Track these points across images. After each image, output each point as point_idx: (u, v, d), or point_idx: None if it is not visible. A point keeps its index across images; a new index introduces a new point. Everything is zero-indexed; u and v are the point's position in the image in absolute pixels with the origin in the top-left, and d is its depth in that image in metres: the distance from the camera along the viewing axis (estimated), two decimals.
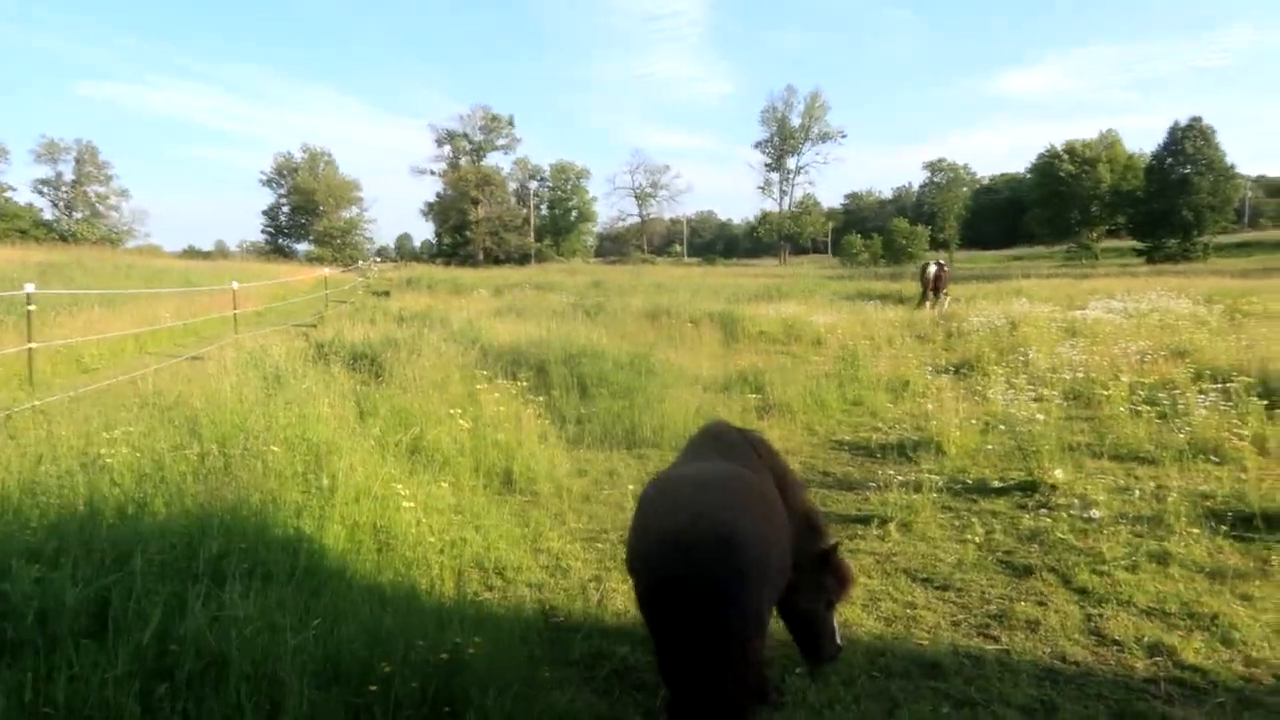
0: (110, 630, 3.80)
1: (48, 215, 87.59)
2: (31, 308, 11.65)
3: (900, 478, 7.90)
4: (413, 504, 6.42)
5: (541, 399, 10.53)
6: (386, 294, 33.94)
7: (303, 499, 6.04)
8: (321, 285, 37.39)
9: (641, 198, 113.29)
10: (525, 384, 10.97)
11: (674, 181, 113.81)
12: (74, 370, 14.66)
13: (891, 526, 6.87)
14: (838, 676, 4.47)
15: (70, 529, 4.74)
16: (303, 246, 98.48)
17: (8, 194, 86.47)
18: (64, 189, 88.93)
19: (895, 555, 6.41)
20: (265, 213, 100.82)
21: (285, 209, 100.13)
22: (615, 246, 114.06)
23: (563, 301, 25.43)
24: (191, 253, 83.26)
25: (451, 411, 8.93)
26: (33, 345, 11.70)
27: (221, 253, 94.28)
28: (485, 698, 3.89)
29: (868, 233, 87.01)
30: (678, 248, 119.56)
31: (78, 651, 3.64)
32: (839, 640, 4.33)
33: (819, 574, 4.26)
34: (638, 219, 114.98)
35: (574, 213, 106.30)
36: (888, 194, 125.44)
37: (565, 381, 11.85)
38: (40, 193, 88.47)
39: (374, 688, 3.74)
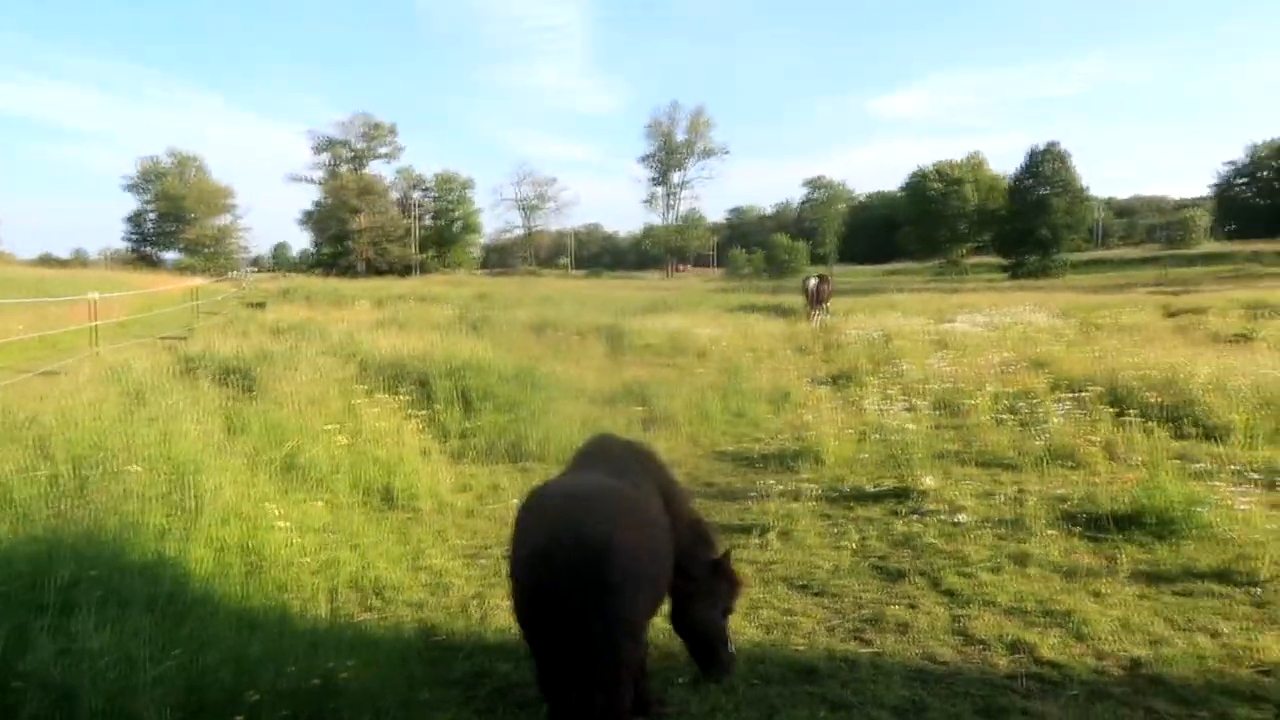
0: None
1: None
2: None
3: (780, 487, 8.07)
4: (285, 524, 6.18)
5: (424, 413, 10.34)
6: (262, 305, 32.68)
7: (165, 521, 5.75)
8: (192, 296, 35.75)
9: (528, 209, 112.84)
10: (407, 398, 10.73)
11: (561, 194, 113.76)
12: None
13: (772, 535, 7.00)
14: (718, 685, 4.51)
15: None
16: (171, 255, 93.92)
17: None
18: None
19: (774, 563, 6.53)
20: (129, 219, 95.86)
21: (152, 215, 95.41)
22: (501, 258, 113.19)
23: (447, 314, 25.00)
24: (47, 260, 78.32)
25: (328, 427, 8.64)
26: None
27: (80, 261, 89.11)
28: None
29: (751, 247, 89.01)
30: (564, 260, 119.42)
31: None
32: (731, 649, 4.39)
33: (712, 582, 4.32)
34: (524, 231, 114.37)
35: (459, 224, 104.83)
36: (770, 209, 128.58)
37: (449, 395, 11.65)
38: None
39: (240, 718, 3.57)
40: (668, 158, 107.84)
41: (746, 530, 7.23)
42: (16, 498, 5.94)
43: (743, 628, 5.34)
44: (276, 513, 6.28)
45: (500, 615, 5.61)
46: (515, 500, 8.15)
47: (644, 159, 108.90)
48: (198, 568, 5.33)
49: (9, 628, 3.84)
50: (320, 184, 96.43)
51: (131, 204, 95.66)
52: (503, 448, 10.19)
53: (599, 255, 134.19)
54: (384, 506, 7.94)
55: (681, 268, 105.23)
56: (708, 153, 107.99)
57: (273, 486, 7.15)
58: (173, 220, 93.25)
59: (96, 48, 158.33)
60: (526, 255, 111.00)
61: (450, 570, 6.48)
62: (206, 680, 3.80)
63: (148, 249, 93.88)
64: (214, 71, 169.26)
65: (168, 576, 4.93)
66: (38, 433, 7.60)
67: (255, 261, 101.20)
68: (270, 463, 7.72)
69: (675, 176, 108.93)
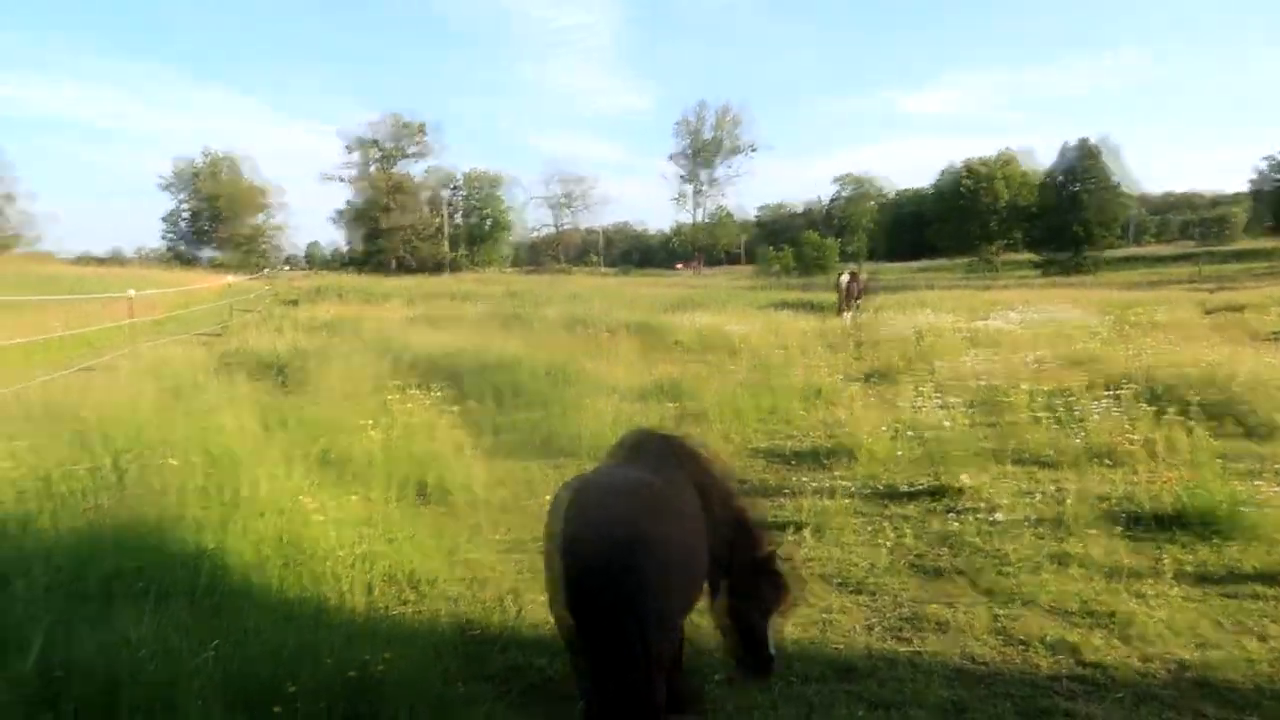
0: None
1: None
2: None
3: (814, 484, 8.00)
4: (322, 517, 6.21)
5: (457, 409, 10.36)
6: (295, 302, 33.01)
7: (204, 514, 5.79)
8: (227, 293, 36.20)
9: (558, 208, 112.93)
10: (440, 394, 10.77)
11: (590, 192, 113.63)
12: None
13: (806, 532, 6.94)
14: (755, 684, 4.46)
15: None
16: (207, 253, 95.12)
17: None
18: None
19: (811, 561, 6.47)
20: (165, 218, 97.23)
21: (186, 215, 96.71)
22: (532, 256, 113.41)
23: (478, 311, 25.13)
24: (86, 259, 79.51)
25: (363, 422, 8.69)
26: None
27: (118, 259, 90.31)
28: (397, 715, 3.77)
29: (780, 244, 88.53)
30: (594, 258, 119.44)
31: None
32: (772, 650, 4.35)
33: (754, 581, 4.28)
34: (554, 229, 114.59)
35: (490, 222, 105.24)
36: (800, 207, 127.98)
37: (481, 391, 11.68)
38: None
39: (278, 709, 3.59)
40: (696, 155, 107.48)
41: (781, 527, 7.15)
42: (57, 491, 6.03)
43: (780, 626, 5.30)
44: (313, 506, 6.31)
45: (537, 610, 5.59)
46: (549, 496, 8.17)
47: (673, 157, 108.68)
48: (236, 560, 5.36)
49: (53, 619, 3.87)
50: (351, 183, 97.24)
51: (169, 203, 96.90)
52: (536, 443, 10.20)
53: (628, 253, 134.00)
54: (419, 501, 7.96)
55: (685, 266, 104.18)
56: (735, 150, 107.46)
57: (309, 480, 7.19)
58: (208, 219, 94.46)
59: (136, 52, 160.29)
60: (557, 253, 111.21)
61: (486, 564, 6.49)
62: (245, 671, 3.81)
63: (184, 248, 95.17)
64: (248, 74, 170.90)
65: (206, 569, 4.97)
66: (78, 427, 7.71)
67: (289, 260, 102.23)
68: (306, 457, 7.77)
69: (704, 174, 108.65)
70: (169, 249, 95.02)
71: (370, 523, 6.77)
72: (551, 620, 3.97)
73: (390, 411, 9.70)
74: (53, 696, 3.50)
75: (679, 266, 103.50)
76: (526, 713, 4.30)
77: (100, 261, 78.32)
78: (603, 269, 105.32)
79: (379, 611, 5.34)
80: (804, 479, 8.31)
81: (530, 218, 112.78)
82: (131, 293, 20.67)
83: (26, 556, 4.41)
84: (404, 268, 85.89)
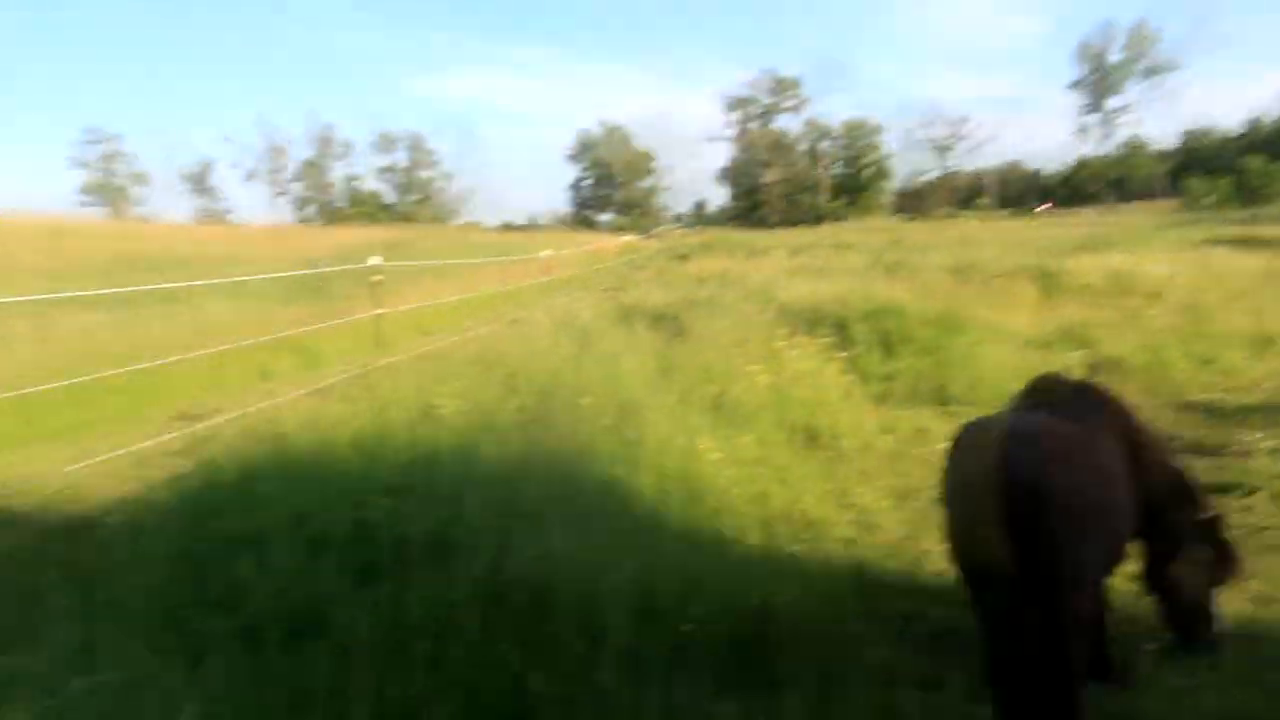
0: (451, 560, 4.14)
1: (389, 199, 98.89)
2: (378, 279, 13.14)
3: (1269, 443, 6.83)
4: (717, 456, 6.47)
5: (844, 356, 10.25)
6: (684, 258, 34.75)
7: (613, 449, 6.29)
8: (623, 252, 39.07)
9: (941, 151, 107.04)
10: (826, 341, 10.73)
11: (975, 131, 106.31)
12: (416, 333, 16.41)
13: (1260, 497, 5.96)
14: (1201, 658, 3.92)
15: (415, 470, 5.24)
16: (605, 216, 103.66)
17: (354, 182, 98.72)
18: (400, 175, 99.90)
19: (1265, 529, 5.55)
20: (571, 186, 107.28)
21: (587, 182, 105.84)
22: (914, 203, 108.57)
23: (861, 260, 24.63)
24: (508, 227, 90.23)
25: (752, 368, 8.91)
26: (381, 311, 13.20)
27: (534, 225, 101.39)
28: (797, 646, 3.83)
29: (1213, 174, 76.50)
30: (984, 201, 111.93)
31: (427, 577, 4.01)
32: (1219, 625, 3.82)
33: (1196, 546, 3.78)
34: (938, 173, 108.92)
35: (869, 170, 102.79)
36: (1237, 129, 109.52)
37: (867, 339, 11.44)
38: (382, 180, 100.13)
39: (685, 627, 3.79)
40: (1101, 82, 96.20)
41: (1224, 490, 6.21)
42: (495, 423, 6.88)
43: (1228, 599, 4.61)
44: (708, 446, 6.59)
45: (935, 560, 5.39)
46: (944, 444, 7.83)
47: (1073, 85, 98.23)
48: (643, 491, 5.76)
49: (497, 531, 4.42)
50: (732, 142, 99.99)
51: (572, 173, 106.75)
52: (926, 391, 9.82)
53: (1023, 194, 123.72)
54: (808, 445, 8.01)
55: (1044, 207, 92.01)
56: (1152, 71, 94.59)
57: (703, 421, 7.52)
58: (605, 185, 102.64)
59: (530, 38, 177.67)
60: (941, 199, 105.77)
61: (878, 510, 6.37)
62: (657, 590, 4.08)
63: (586, 212, 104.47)
64: (639, 49, 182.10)
65: (618, 497, 5.39)
66: (507, 370, 8.75)
67: (677, 218, 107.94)
68: (700, 400, 8.13)
69: (1111, 102, 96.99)
70: (574, 214, 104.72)
71: (762, 463, 6.94)
72: (951, 571, 3.81)
73: (777, 358, 9.85)
74: (499, 596, 4.00)
75: (1039, 209, 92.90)
76: (924, 659, 4.16)
77: (519, 229, 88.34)
78: (994, 212, 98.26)
79: (775, 548, 5.45)
80: (1255, 436, 7.12)
81: (912, 163, 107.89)
82: (545, 254, 23.01)
83: (474, 480, 5.08)
84: (785, 221, 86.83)
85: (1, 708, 2.99)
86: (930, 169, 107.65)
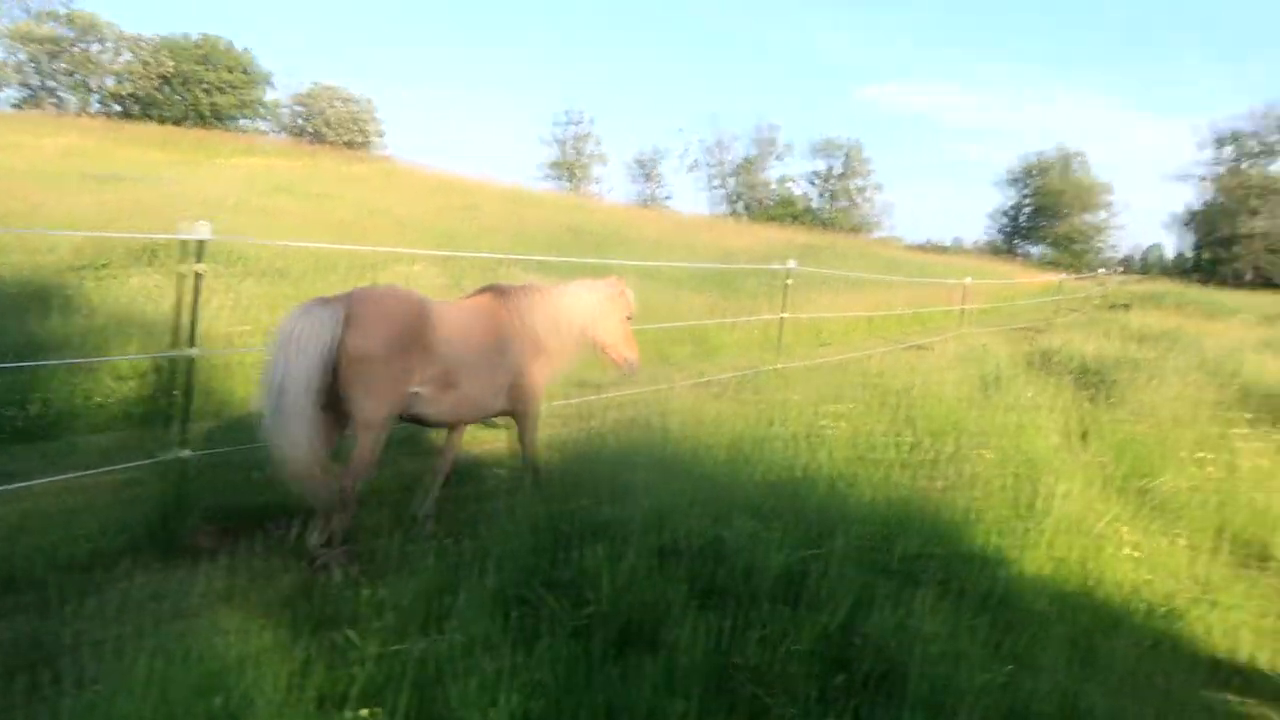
0: (801, 603, 3.82)
1: (814, 203, 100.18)
2: (790, 282, 13.09)
3: None
4: (1135, 554, 5.46)
5: None
6: (1126, 307, 30.96)
7: (1009, 516, 5.55)
8: (1053, 290, 35.85)
9: None
10: None
11: None
12: (813, 341, 16.25)
13: None
14: None
15: (785, 492, 4.98)
16: (1037, 249, 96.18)
17: (788, 184, 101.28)
18: (831, 181, 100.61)
19: None
20: (1004, 212, 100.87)
21: (1026, 209, 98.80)
22: None
23: None
24: (928, 247, 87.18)
25: (1195, 454, 7.50)
26: (785, 315, 13.15)
27: (956, 248, 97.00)
28: None
29: None
30: None
31: (771, 614, 3.73)
32: None
33: None
34: None
35: None
36: None
37: None
38: (812, 183, 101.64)
39: None
40: None
41: None
42: (880, 458, 6.41)
43: None
44: (1127, 538, 5.59)
45: None
46: None
47: None
48: (1033, 576, 4.99)
49: (860, 582, 4.02)
50: (1212, 181, 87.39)
51: (1008, 197, 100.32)
52: None
53: None
54: (1255, 565, 6.55)
55: None
56: None
57: (1121, 506, 6.44)
58: (1045, 215, 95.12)
59: (991, 51, 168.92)
60: None
61: None
62: (1031, 709, 3.44)
63: (1015, 241, 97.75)
64: (1102, 68, 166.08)
65: (1003, 577, 4.70)
66: (905, 401, 8.18)
67: (1123, 262, 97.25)
68: (1121, 481, 6.99)
69: None
70: (1002, 242, 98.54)
71: (1191, 577, 5.76)
72: None
73: (1230, 448, 8.21)
74: (847, 660, 3.61)
75: None
76: None
77: (941, 250, 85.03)
78: None
79: (1193, 692, 4.43)
80: None
81: None
82: (968, 280, 21.67)
83: (847, 516, 4.70)
84: (1263, 280, 74.42)
85: (367, 640, 3.20)
86: None
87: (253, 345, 9.12)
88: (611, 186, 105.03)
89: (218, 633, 3.58)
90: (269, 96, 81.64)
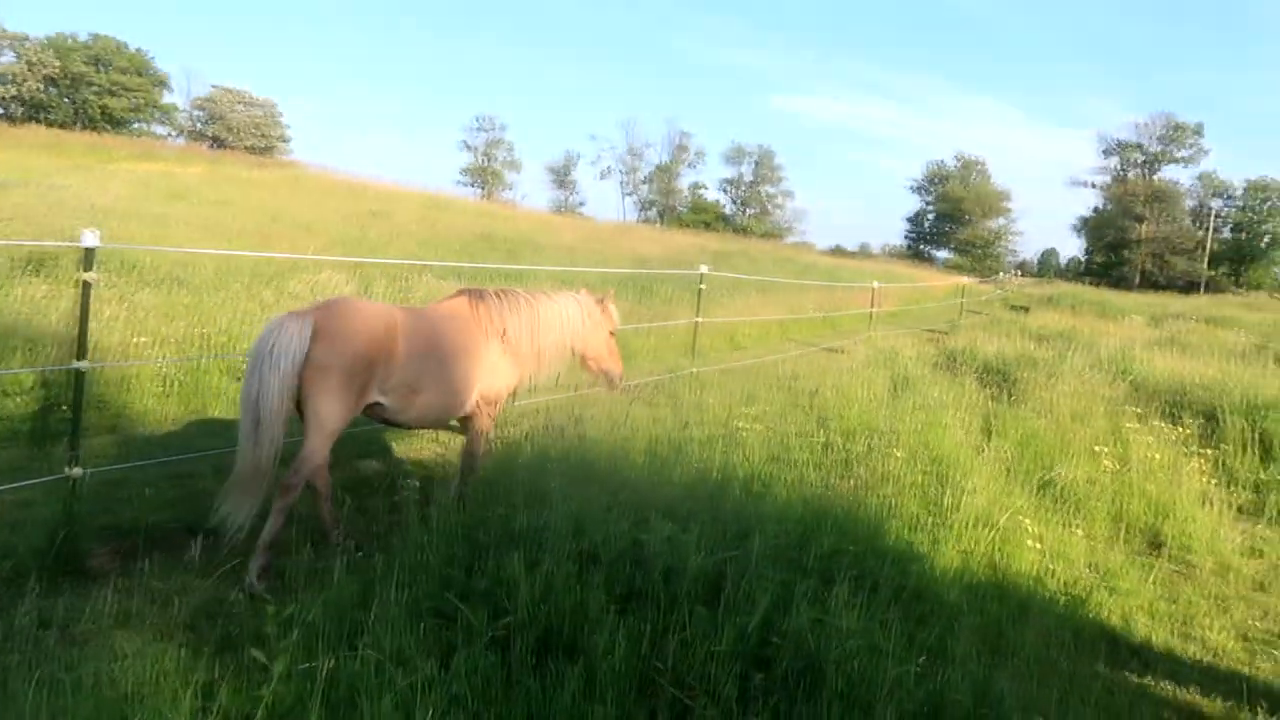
0: (721, 605, 3.82)
1: (727, 210, 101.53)
2: (703, 287, 13.20)
3: None
4: (1038, 545, 5.65)
5: (1208, 453, 8.75)
6: (1025, 309, 32.20)
7: (919, 513, 5.68)
8: (957, 294, 36.99)
9: None
10: (1188, 432, 9.22)
11: None
12: (727, 346, 16.42)
13: None
14: None
15: (703, 495, 4.99)
16: (942, 254, 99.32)
17: (701, 190, 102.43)
18: (742, 188, 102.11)
19: None
20: (910, 219, 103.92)
21: (930, 216, 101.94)
22: None
23: (1242, 341, 21.31)
24: (838, 252, 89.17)
25: (1095, 449, 7.80)
26: (699, 319, 13.24)
27: (865, 253, 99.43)
28: None
29: None
30: None
31: (691, 617, 3.72)
32: None
33: None
34: None
35: (1266, 238, 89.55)
36: None
37: (1241, 436, 9.71)
38: (724, 190, 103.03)
39: None
40: None
41: None
42: (794, 458, 6.49)
43: None
44: (1030, 530, 5.78)
45: None
46: None
47: None
48: (944, 570, 5.12)
49: (777, 582, 4.04)
50: (1103, 189, 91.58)
51: (914, 204, 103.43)
52: None
53: None
54: (1148, 551, 6.86)
55: None
56: None
57: (1025, 499, 6.66)
58: (949, 221, 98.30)
59: (901, 62, 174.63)
60: None
61: (1230, 654, 5.23)
62: (945, 699, 3.50)
63: (922, 247, 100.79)
64: (999, 78, 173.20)
65: (915, 570, 4.80)
66: (818, 403, 8.31)
67: (1022, 266, 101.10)
68: (1025, 474, 7.23)
69: None
70: (908, 247, 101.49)
71: (1090, 565, 5.98)
72: None
73: (1124, 441, 8.59)
74: (766, 659, 3.63)
75: None
76: None
77: (849, 255, 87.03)
78: None
79: (1095, 672, 4.59)
80: None
81: None
82: (875, 285, 22.20)
83: (763, 517, 4.73)
84: (1149, 283, 78.26)
85: (274, 660, 3.08)
86: None
87: (149, 357, 8.75)
88: (526, 193, 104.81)
89: (114, 659, 3.40)
90: (166, 99, 78.87)
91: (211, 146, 67.91)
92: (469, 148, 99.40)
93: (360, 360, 4.89)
